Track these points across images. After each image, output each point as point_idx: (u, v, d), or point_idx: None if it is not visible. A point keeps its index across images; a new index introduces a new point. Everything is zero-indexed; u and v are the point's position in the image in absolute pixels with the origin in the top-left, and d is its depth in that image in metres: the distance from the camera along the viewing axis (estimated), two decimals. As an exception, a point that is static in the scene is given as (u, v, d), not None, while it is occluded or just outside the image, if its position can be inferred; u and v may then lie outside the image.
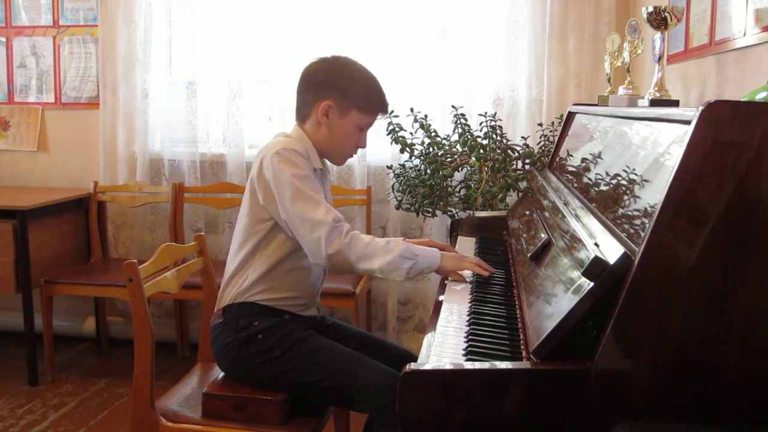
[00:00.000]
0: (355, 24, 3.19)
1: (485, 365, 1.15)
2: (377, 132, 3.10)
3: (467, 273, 1.78)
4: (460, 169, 2.81)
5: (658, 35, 1.82)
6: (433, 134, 2.83)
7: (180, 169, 3.40)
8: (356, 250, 1.66)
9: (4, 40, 3.59)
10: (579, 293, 1.11)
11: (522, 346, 1.28)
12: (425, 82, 3.17)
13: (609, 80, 2.41)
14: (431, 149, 2.80)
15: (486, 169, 2.67)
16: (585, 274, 1.11)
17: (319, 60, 1.81)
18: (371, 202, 3.21)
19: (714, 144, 1.03)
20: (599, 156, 1.72)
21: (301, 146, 1.75)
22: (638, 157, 1.37)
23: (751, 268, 1.04)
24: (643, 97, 1.87)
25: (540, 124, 2.94)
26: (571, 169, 2.01)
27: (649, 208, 1.17)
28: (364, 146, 1.86)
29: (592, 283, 1.09)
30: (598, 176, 1.62)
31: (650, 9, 1.77)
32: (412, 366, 1.14)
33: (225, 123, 3.34)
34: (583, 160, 1.88)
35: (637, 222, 1.20)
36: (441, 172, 2.73)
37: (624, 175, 1.40)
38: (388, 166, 2.98)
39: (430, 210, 2.76)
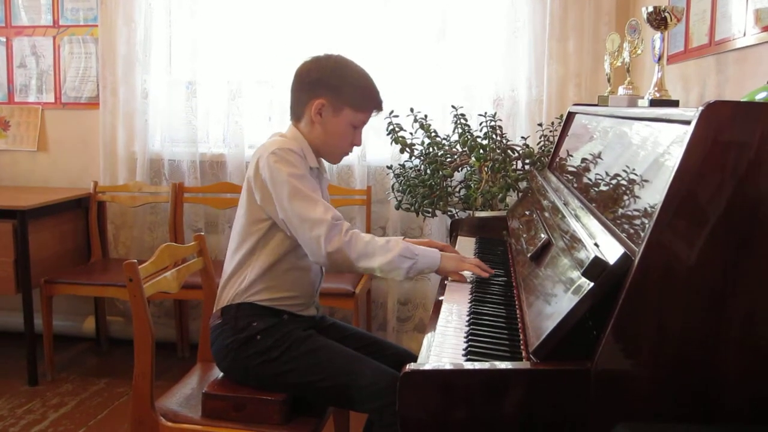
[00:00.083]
0: (355, 24, 3.18)
1: (485, 365, 1.15)
2: (377, 132, 3.11)
3: (467, 273, 1.78)
4: (460, 169, 2.82)
5: (657, 35, 1.82)
6: (433, 134, 2.83)
7: (180, 169, 3.40)
8: (356, 248, 1.66)
9: (4, 40, 3.59)
10: (579, 293, 1.11)
11: (522, 346, 1.28)
12: (425, 82, 3.17)
13: (609, 80, 2.41)
14: (431, 149, 2.80)
15: (486, 169, 2.67)
16: (585, 274, 1.11)
17: (312, 59, 1.81)
18: (371, 202, 3.21)
19: (714, 144, 1.03)
20: (599, 156, 1.72)
21: (297, 145, 1.75)
22: (638, 157, 1.37)
23: (751, 268, 1.04)
24: (643, 97, 1.87)
25: (540, 124, 2.94)
26: (571, 169, 2.01)
27: (649, 208, 1.17)
28: (359, 144, 1.86)
29: (592, 283, 1.09)
30: (598, 176, 1.62)
31: (650, 9, 1.77)
32: (412, 366, 1.14)
33: (225, 123, 3.34)
34: (583, 160, 1.88)
35: (637, 222, 1.20)
36: (441, 172, 2.73)
37: (624, 175, 1.40)
38: (388, 166, 2.99)
39: (430, 210, 2.76)
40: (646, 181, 1.26)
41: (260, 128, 3.33)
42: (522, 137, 2.88)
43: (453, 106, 2.85)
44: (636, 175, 1.33)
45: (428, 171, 2.77)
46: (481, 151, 2.69)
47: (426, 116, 2.86)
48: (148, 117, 3.38)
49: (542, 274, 1.42)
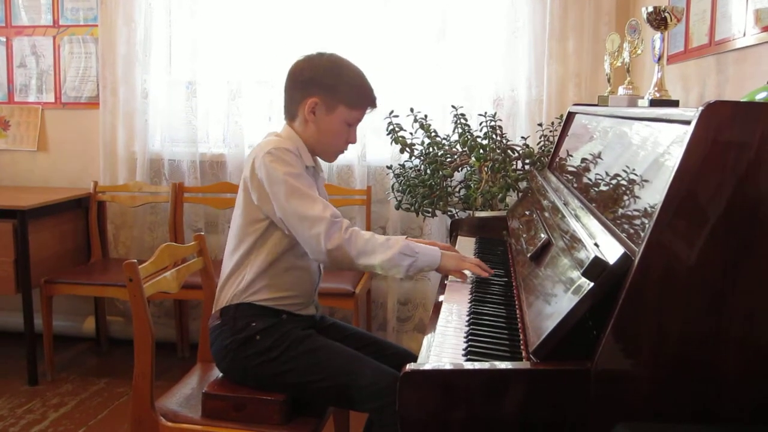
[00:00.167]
0: (355, 24, 3.19)
1: (485, 365, 1.15)
2: (377, 132, 3.11)
3: (467, 273, 1.78)
4: (460, 169, 2.82)
5: (657, 35, 1.82)
6: (433, 134, 2.83)
7: (180, 169, 3.40)
8: (356, 245, 1.66)
9: (4, 39, 3.59)
10: (579, 293, 1.11)
11: (522, 346, 1.28)
12: (425, 82, 3.17)
13: (609, 80, 2.41)
14: (431, 149, 2.80)
15: (486, 169, 2.67)
16: (585, 274, 1.11)
17: (304, 58, 1.81)
18: (371, 202, 3.21)
19: (714, 144, 1.03)
20: (599, 156, 1.72)
21: (292, 145, 1.75)
22: (638, 157, 1.37)
23: (751, 268, 1.04)
24: (642, 97, 1.87)
25: (540, 124, 2.94)
26: (570, 169, 2.01)
27: (649, 208, 1.17)
28: (354, 141, 1.85)
29: (592, 283, 1.09)
30: (598, 176, 1.62)
31: (650, 9, 1.77)
32: (412, 366, 1.14)
33: (225, 123, 3.34)
34: (583, 160, 1.88)
35: (637, 222, 1.20)
36: (441, 172, 2.73)
37: (624, 175, 1.40)
38: (387, 166, 2.99)
39: (430, 210, 2.77)
40: (646, 181, 1.26)
41: (260, 128, 3.33)
42: (522, 137, 2.88)
43: (453, 106, 2.85)
44: (636, 175, 1.33)
45: (428, 171, 2.77)
46: (481, 151, 2.69)
47: (426, 116, 2.86)
48: (148, 117, 3.38)
49: (542, 274, 1.42)
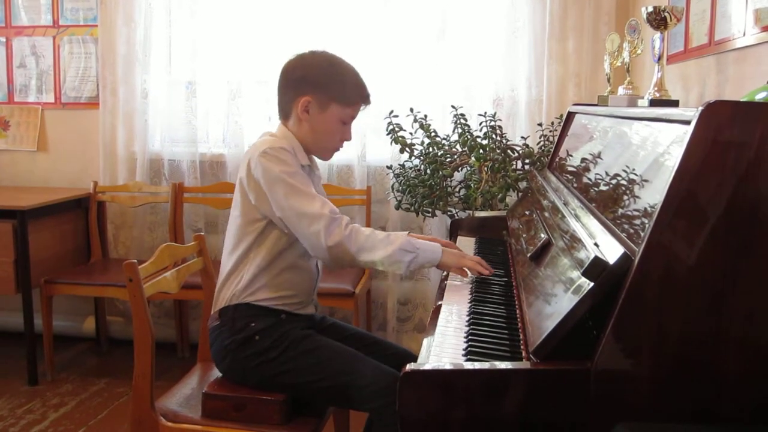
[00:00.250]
0: (355, 24, 3.18)
1: (485, 365, 1.15)
2: (377, 132, 3.11)
3: (467, 271, 1.78)
4: (459, 169, 2.82)
5: (657, 35, 1.82)
6: (432, 134, 2.83)
7: (180, 169, 3.40)
8: (357, 242, 1.66)
9: (4, 40, 3.58)
10: (579, 293, 1.11)
11: (522, 346, 1.28)
12: (425, 82, 3.17)
13: (609, 80, 2.41)
14: (431, 149, 2.80)
15: (486, 169, 2.67)
16: (585, 274, 1.11)
17: (296, 56, 1.81)
18: (371, 202, 3.21)
19: (714, 144, 1.03)
20: (599, 156, 1.72)
21: (287, 144, 1.74)
22: (638, 157, 1.37)
23: (751, 268, 1.04)
24: (642, 97, 1.87)
25: (540, 124, 2.94)
26: (570, 169, 2.01)
27: (649, 208, 1.17)
28: (349, 139, 1.85)
29: (592, 283, 1.09)
30: (598, 176, 1.62)
31: (650, 9, 1.77)
32: (412, 366, 1.14)
33: (225, 123, 3.34)
34: (583, 160, 1.88)
35: (637, 222, 1.20)
36: (441, 172, 2.73)
37: (624, 175, 1.40)
38: (387, 166, 2.99)
39: (430, 210, 2.77)
40: (646, 181, 1.26)
41: (260, 128, 3.28)
42: (522, 137, 2.88)
43: (453, 106, 2.85)
44: (636, 175, 1.33)
45: (428, 171, 2.77)
46: (481, 151, 2.69)
47: (426, 116, 2.86)
48: (148, 117, 3.38)
49: (542, 274, 1.42)
